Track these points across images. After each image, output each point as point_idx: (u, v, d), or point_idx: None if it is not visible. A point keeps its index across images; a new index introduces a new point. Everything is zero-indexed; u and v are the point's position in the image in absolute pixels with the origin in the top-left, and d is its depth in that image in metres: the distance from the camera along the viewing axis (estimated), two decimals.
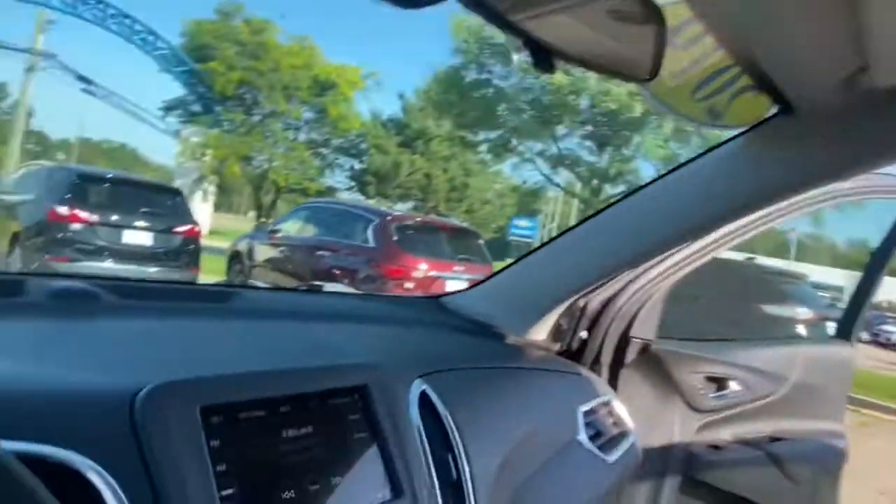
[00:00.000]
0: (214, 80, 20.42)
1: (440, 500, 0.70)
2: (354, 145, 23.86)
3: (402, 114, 24.04)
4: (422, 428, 0.73)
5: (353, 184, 24.09)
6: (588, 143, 17.11)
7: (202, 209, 18.16)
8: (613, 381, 1.33)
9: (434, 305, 1.25)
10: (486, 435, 0.81)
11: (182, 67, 20.99)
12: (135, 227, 6.40)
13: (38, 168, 7.32)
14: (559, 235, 1.17)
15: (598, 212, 1.12)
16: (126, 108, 20.04)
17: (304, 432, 0.60)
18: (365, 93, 22.76)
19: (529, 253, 1.21)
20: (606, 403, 1.21)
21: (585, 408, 1.11)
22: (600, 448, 1.09)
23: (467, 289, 1.28)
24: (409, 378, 0.77)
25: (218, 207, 27.02)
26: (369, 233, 6.09)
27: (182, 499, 0.48)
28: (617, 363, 1.34)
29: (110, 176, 7.03)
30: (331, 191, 22.07)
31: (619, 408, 1.23)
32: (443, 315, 1.22)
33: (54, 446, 0.45)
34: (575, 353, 1.30)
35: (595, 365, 1.31)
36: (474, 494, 0.73)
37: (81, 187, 6.26)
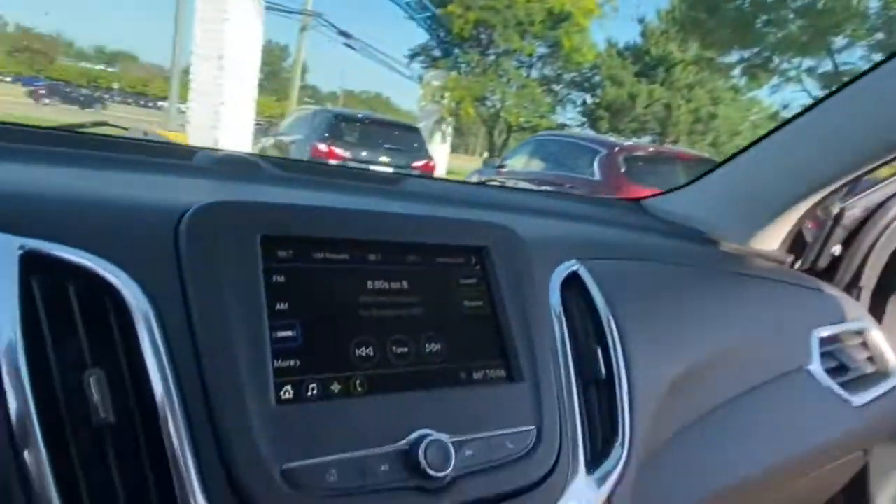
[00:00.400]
0: (453, 23, 21.17)
1: (576, 397, 0.58)
2: (587, 78, 22.92)
3: (642, 40, 22.22)
4: (562, 312, 0.61)
5: (584, 119, 23.31)
6: (876, 54, 13.80)
7: (441, 150, 19.26)
8: (878, 310, 1.05)
9: (635, 207, 1.10)
10: (661, 337, 0.67)
11: (424, 14, 22.12)
12: (379, 163, 7.13)
13: (305, 111, 8.55)
14: (799, 115, 0.89)
15: (857, 77, 0.82)
16: (379, 59, 21.98)
17: (396, 287, 0.51)
18: (601, 21, 21.52)
19: (755, 142, 0.96)
20: (859, 332, 0.95)
21: (824, 333, 0.88)
22: (842, 386, 0.87)
23: (676, 188, 1.10)
24: (559, 256, 0.65)
25: (455, 149, 28.45)
26: (595, 165, 5.83)
27: (221, 328, 0.42)
28: (885, 287, 1.05)
29: (360, 116, 8.05)
30: (562, 127, 21.62)
31: (880, 341, 0.96)
32: (644, 218, 1.06)
33: (81, 250, 0.41)
34: (823, 273, 1.05)
35: (852, 288, 1.05)
36: (630, 401, 0.60)
37: (338, 126, 7.18)
